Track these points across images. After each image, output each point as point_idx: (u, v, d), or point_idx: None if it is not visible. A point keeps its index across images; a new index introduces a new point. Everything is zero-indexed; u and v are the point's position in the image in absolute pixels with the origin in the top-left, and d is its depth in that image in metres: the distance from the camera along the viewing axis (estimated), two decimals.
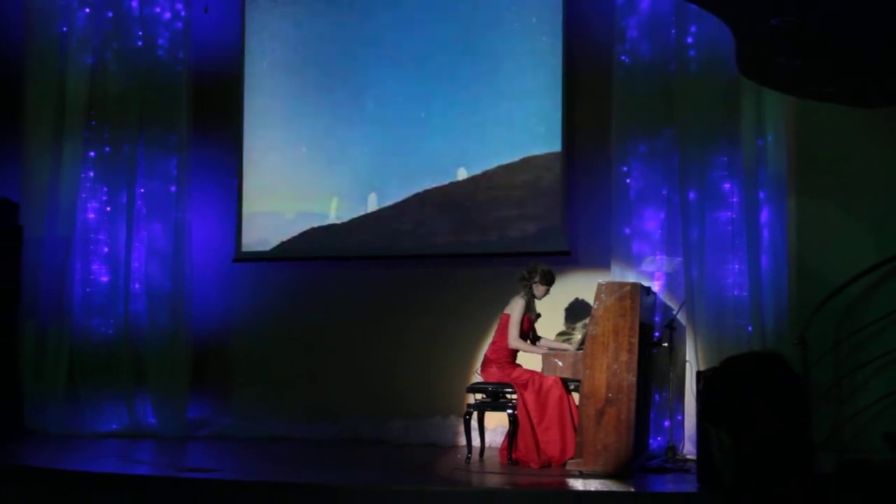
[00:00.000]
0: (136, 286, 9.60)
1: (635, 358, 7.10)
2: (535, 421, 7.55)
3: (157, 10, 9.72)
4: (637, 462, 7.26)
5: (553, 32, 9.01)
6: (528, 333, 8.00)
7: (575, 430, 7.33)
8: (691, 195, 8.18)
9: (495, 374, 7.81)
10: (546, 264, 8.02)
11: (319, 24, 9.74)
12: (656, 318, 8.17)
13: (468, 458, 7.73)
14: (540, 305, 8.10)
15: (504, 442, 7.83)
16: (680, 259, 8.23)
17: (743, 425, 2.21)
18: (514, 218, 9.05)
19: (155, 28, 9.70)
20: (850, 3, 5.73)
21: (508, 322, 7.85)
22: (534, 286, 7.92)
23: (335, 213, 9.55)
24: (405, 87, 9.44)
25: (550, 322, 8.56)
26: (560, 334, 8.60)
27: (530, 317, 7.97)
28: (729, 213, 8.14)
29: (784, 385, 2.24)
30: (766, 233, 7.95)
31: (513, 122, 9.12)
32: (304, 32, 9.80)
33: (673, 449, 7.77)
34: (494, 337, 8.01)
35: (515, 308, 7.87)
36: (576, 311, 8.68)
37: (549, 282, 7.94)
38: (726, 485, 2.25)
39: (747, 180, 7.97)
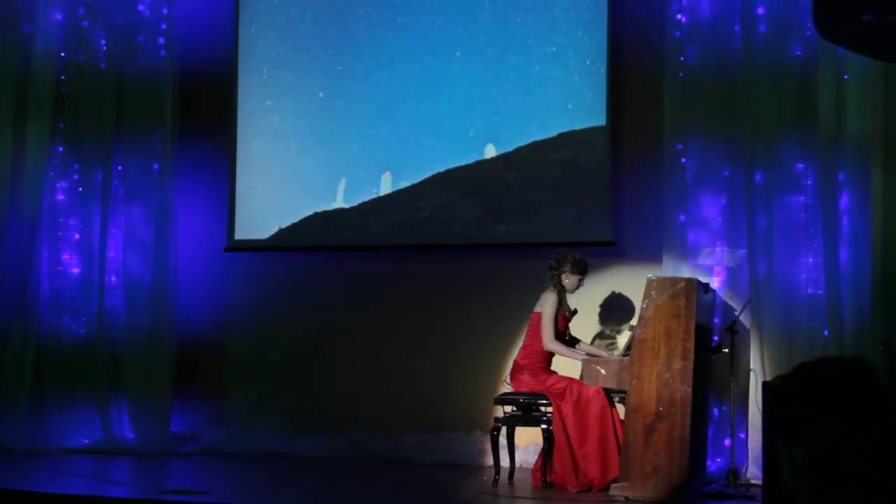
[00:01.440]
0: (113, 279, 9.62)
1: (691, 366, 7.10)
2: (573, 437, 7.55)
3: None
4: (692, 487, 7.26)
5: None
6: (564, 334, 7.99)
7: (619, 448, 7.33)
8: (758, 177, 8.13)
9: (527, 383, 7.81)
10: (577, 252, 7.99)
11: None
12: (715, 320, 8.16)
13: (496, 480, 7.76)
14: (578, 303, 8.10)
15: (537, 462, 7.85)
16: (744, 251, 8.20)
17: (820, 443, 2.15)
18: (549, 202, 9.02)
19: None
20: None
21: (541, 321, 7.82)
22: (563, 277, 7.94)
23: (343, 195, 9.54)
24: (424, 49, 9.41)
25: (591, 323, 8.59)
26: (602, 337, 8.59)
27: (564, 314, 7.96)
28: (802, 198, 8.11)
29: (869, 396, 2.19)
30: (845, 221, 7.90)
31: (549, 92, 9.08)
32: None
33: (734, 472, 7.76)
34: (525, 340, 8.01)
35: (547, 304, 7.87)
36: (621, 310, 8.67)
37: (581, 271, 7.95)
38: None
39: (824, 160, 7.92)
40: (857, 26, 6.64)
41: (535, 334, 7.89)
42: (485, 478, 8.00)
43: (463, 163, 9.26)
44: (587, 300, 8.26)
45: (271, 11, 9.84)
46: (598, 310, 8.66)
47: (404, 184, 9.39)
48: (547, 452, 7.61)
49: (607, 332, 8.67)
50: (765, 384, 7.26)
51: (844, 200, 7.90)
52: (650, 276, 7.46)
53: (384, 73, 9.49)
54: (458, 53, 9.32)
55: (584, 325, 8.38)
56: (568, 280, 7.94)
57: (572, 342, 8.05)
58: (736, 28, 8.34)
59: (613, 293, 8.69)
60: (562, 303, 7.93)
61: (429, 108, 9.36)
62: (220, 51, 9.94)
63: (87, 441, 9.44)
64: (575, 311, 8.08)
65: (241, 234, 9.74)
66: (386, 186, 9.43)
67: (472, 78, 9.27)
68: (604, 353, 8.03)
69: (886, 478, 2.18)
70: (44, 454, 9.17)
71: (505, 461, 7.96)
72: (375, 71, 9.51)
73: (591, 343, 8.45)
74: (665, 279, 7.38)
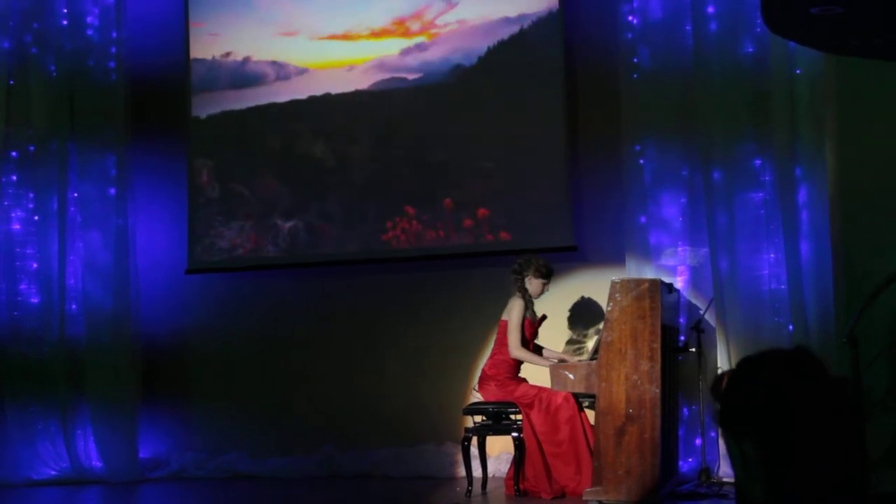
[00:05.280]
0: (73, 307, 9.55)
1: (658, 366, 7.08)
2: (544, 445, 7.54)
3: None
4: (665, 488, 7.25)
5: None
6: (531, 340, 7.96)
7: (591, 453, 7.30)
8: (716, 175, 8.14)
9: (495, 393, 7.80)
10: (540, 257, 8.01)
11: None
12: (681, 320, 8.16)
13: (469, 491, 7.72)
14: (544, 310, 8.08)
15: (510, 471, 7.81)
16: (706, 250, 8.20)
17: (767, 434, 2.11)
18: (510, 209, 9.00)
19: (82, 4, 9.67)
20: None
21: (507, 328, 7.83)
22: (527, 281, 7.91)
23: (302, 210, 9.51)
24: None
25: (558, 329, 8.56)
26: (570, 342, 8.57)
27: (531, 320, 7.94)
28: (761, 194, 8.11)
29: (823, 384, 2.17)
30: (804, 215, 7.91)
31: (504, 97, 9.09)
32: None
33: (707, 471, 7.77)
34: (493, 349, 7.99)
35: (514, 311, 7.84)
36: (586, 314, 8.66)
37: (545, 275, 7.93)
38: None
39: (780, 155, 7.94)
40: (805, 20, 6.70)
41: (503, 342, 7.85)
42: (458, 489, 7.97)
43: (422, 171, 9.25)
44: (553, 306, 8.24)
45: (212, 52, 9.85)
46: (564, 315, 8.64)
47: (364, 196, 9.37)
48: (519, 461, 7.58)
49: (575, 337, 8.65)
50: (717, 377, 7.27)
51: (802, 194, 7.90)
52: (614, 278, 7.42)
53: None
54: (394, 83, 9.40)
55: (552, 332, 8.35)
56: (532, 285, 7.92)
57: (537, 350, 8.03)
58: (687, 28, 8.35)
59: (578, 298, 8.69)
60: (528, 308, 7.92)
61: (383, 116, 9.38)
62: (171, 70, 9.90)
63: (54, 472, 9.33)
64: (544, 318, 8.06)
65: (202, 254, 9.69)
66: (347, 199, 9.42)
67: (425, 86, 9.29)
68: (571, 359, 8.03)
69: (848, 470, 2.16)
70: (9, 488, 9.04)
71: (477, 471, 7.93)
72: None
73: (561, 349, 8.45)
74: (629, 281, 7.36)
